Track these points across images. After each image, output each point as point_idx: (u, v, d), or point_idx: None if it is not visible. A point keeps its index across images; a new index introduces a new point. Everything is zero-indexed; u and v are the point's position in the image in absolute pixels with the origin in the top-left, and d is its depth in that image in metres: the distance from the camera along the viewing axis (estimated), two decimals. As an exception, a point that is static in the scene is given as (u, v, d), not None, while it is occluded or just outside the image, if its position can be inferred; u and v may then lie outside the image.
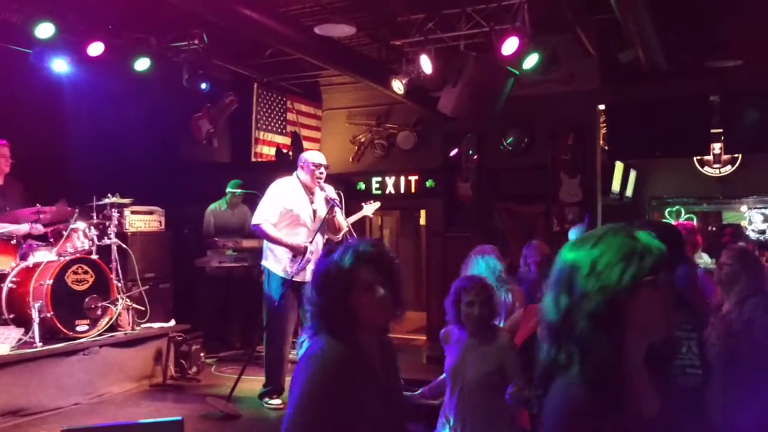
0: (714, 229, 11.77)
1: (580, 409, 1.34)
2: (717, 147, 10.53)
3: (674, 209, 12.02)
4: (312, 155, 5.42)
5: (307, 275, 5.17)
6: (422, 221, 10.89)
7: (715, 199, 11.85)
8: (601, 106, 8.65)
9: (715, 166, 11.37)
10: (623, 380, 1.39)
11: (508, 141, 8.85)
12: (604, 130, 9.12)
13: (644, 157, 10.13)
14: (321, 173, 5.29)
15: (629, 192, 11.63)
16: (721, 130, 8.18)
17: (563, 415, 1.36)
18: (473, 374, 3.23)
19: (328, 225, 5.34)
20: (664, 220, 10.80)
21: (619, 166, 10.73)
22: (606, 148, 9.16)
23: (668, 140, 8.18)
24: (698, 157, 11.24)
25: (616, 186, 10.77)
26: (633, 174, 11.62)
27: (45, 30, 6.13)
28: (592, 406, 1.33)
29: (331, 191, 5.31)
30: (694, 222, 11.17)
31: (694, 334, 2.73)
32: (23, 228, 5.69)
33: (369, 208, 5.39)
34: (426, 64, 6.66)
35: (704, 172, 11.48)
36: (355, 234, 5.49)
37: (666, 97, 7.90)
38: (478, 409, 3.23)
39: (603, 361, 1.36)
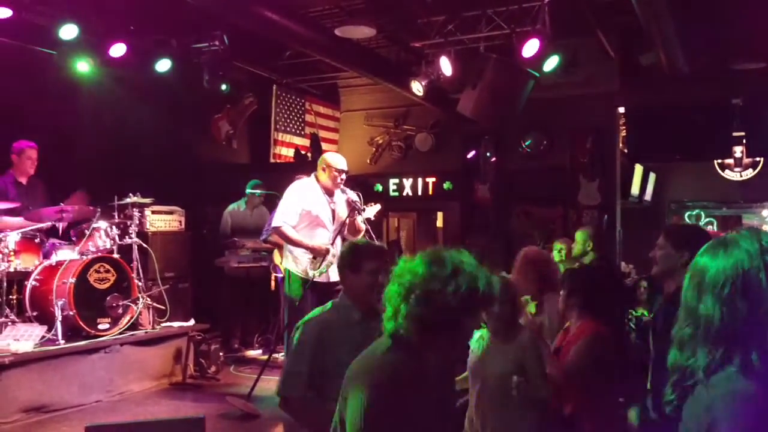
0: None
1: (749, 396, 1.46)
2: (738, 150, 10.42)
3: (694, 213, 11.91)
4: (335, 160, 5.40)
5: (332, 277, 5.19)
6: (439, 223, 10.88)
7: (736, 204, 11.73)
8: (621, 109, 8.60)
9: (737, 169, 11.25)
10: None
11: (526, 143, 8.83)
12: (623, 133, 9.06)
13: (664, 160, 10.06)
14: (343, 178, 5.31)
15: (648, 195, 11.54)
16: (743, 134, 8.10)
17: (735, 402, 1.46)
18: (493, 373, 3.23)
19: (348, 227, 5.35)
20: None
21: (638, 169, 10.65)
22: (625, 151, 9.10)
23: (689, 143, 8.12)
24: (719, 161, 11.13)
25: (635, 189, 10.69)
26: (652, 177, 11.53)
27: (68, 31, 6.22)
28: (758, 394, 1.46)
29: (351, 193, 5.32)
30: (714, 227, 11.08)
31: None
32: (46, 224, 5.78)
33: (370, 211, 5.37)
34: (446, 65, 6.66)
35: (725, 175, 11.36)
36: (374, 236, 5.49)
37: (687, 99, 7.84)
38: (497, 409, 3.22)
39: None
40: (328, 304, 3.09)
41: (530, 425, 3.18)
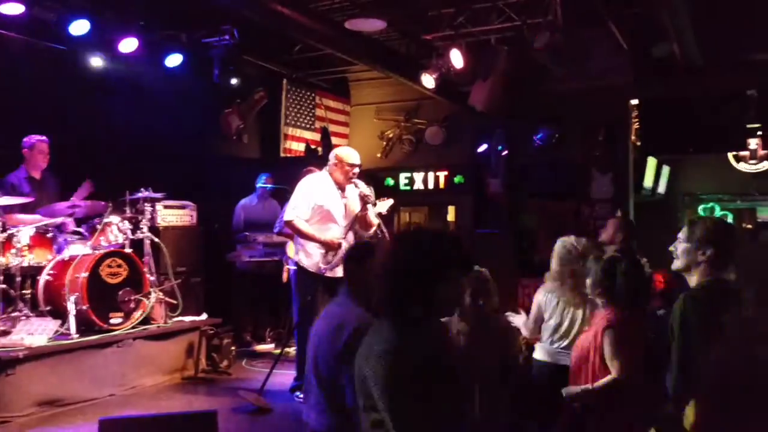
0: (750, 226, 11.52)
1: None
2: (753, 142, 10.31)
3: (708, 206, 11.80)
4: (348, 154, 5.37)
5: (339, 271, 5.18)
6: (450, 217, 10.84)
7: (751, 196, 11.60)
8: (634, 101, 8.51)
9: (751, 162, 11.13)
10: None
11: (538, 136, 8.76)
12: (636, 126, 8.98)
13: (678, 152, 9.97)
14: (355, 173, 5.29)
15: (662, 188, 11.43)
16: (758, 125, 8.01)
17: None
18: (478, 364, 3.26)
19: (359, 221, 5.33)
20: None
21: (651, 162, 10.55)
22: (638, 143, 9.02)
23: (703, 135, 8.05)
24: (734, 153, 11.01)
25: (648, 182, 10.60)
26: (666, 170, 11.42)
27: (80, 27, 6.22)
28: None
29: (363, 187, 5.30)
30: (729, 219, 10.96)
31: None
32: (59, 219, 5.81)
33: (382, 205, 5.35)
34: (457, 58, 6.62)
35: (739, 168, 11.23)
36: (385, 230, 5.47)
37: (701, 91, 7.75)
38: (482, 399, 3.22)
39: None
40: None
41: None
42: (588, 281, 3.35)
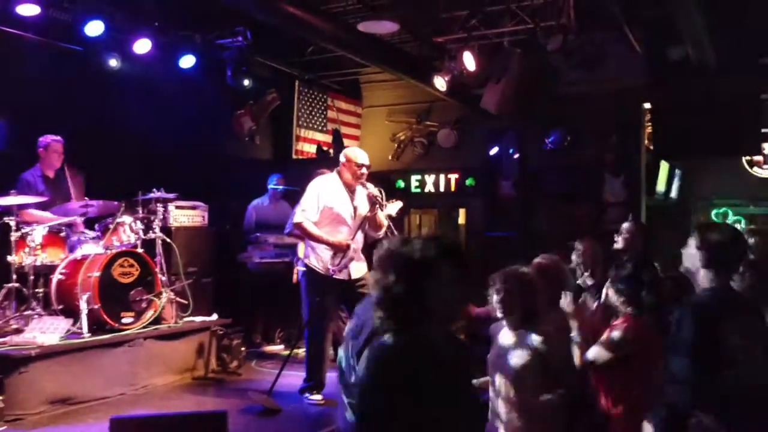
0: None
1: None
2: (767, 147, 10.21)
3: (721, 211, 11.69)
4: (356, 155, 5.37)
5: (354, 273, 5.18)
6: (461, 220, 10.82)
7: (765, 201, 11.48)
8: (647, 105, 8.47)
9: (765, 166, 11.01)
10: None
11: (550, 139, 8.73)
12: (649, 129, 8.92)
13: (691, 156, 9.86)
14: (363, 173, 5.28)
15: (675, 192, 11.34)
16: (772, 129, 7.95)
17: None
18: (509, 368, 3.22)
19: (369, 222, 5.33)
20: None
21: (664, 166, 10.47)
22: (651, 147, 8.96)
23: (717, 139, 7.96)
24: (748, 158, 10.91)
25: (661, 186, 10.51)
26: (679, 174, 11.34)
27: (95, 28, 6.29)
28: None
29: (372, 188, 5.29)
30: (742, 224, 10.86)
31: None
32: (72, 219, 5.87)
33: (391, 208, 5.33)
34: (469, 60, 6.61)
35: (753, 172, 11.13)
36: (395, 232, 5.47)
37: (715, 94, 7.69)
38: (513, 404, 3.20)
39: None
40: None
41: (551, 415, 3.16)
42: (611, 290, 3.36)
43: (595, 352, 3.37)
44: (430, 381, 1.94)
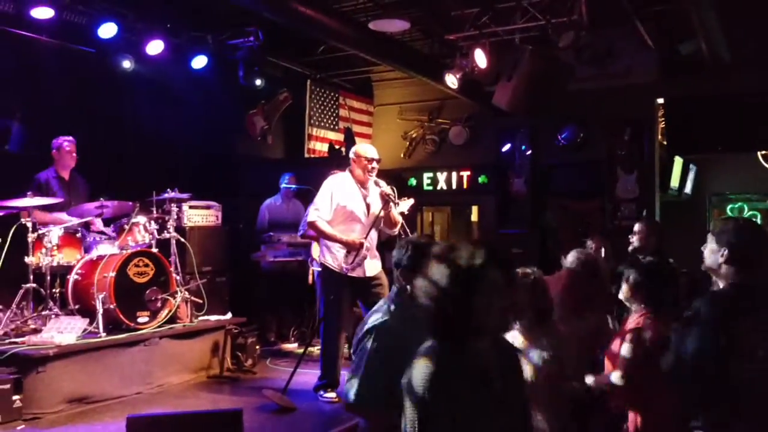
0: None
1: None
2: (783, 142, 10.09)
3: (736, 206, 11.60)
4: (365, 149, 5.39)
5: (368, 271, 5.20)
6: (474, 217, 10.81)
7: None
8: (660, 100, 8.42)
9: (780, 161, 10.91)
10: None
11: (562, 136, 8.70)
12: (662, 125, 8.87)
13: (705, 152, 9.79)
14: (373, 167, 5.29)
15: (688, 188, 11.27)
16: (788, 124, 7.86)
17: None
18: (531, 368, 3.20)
19: (384, 220, 5.34)
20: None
21: (678, 162, 10.41)
22: (665, 143, 8.91)
23: (731, 135, 7.91)
24: (762, 152, 10.81)
25: (674, 182, 10.45)
26: (693, 169, 11.26)
27: (108, 30, 6.34)
28: None
29: (385, 186, 5.30)
30: (758, 219, 10.78)
31: None
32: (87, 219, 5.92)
33: (403, 205, 5.33)
34: (481, 58, 6.60)
35: (768, 167, 11.03)
36: (408, 230, 5.48)
37: (729, 89, 7.64)
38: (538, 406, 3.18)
39: None
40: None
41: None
42: (624, 286, 3.33)
43: (626, 350, 3.27)
44: (470, 395, 1.90)
